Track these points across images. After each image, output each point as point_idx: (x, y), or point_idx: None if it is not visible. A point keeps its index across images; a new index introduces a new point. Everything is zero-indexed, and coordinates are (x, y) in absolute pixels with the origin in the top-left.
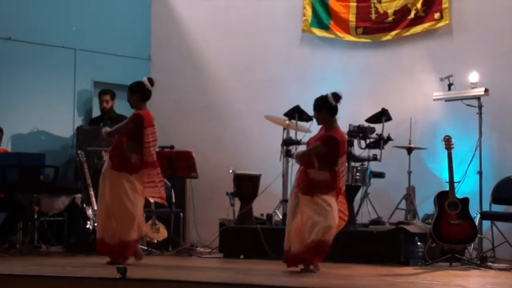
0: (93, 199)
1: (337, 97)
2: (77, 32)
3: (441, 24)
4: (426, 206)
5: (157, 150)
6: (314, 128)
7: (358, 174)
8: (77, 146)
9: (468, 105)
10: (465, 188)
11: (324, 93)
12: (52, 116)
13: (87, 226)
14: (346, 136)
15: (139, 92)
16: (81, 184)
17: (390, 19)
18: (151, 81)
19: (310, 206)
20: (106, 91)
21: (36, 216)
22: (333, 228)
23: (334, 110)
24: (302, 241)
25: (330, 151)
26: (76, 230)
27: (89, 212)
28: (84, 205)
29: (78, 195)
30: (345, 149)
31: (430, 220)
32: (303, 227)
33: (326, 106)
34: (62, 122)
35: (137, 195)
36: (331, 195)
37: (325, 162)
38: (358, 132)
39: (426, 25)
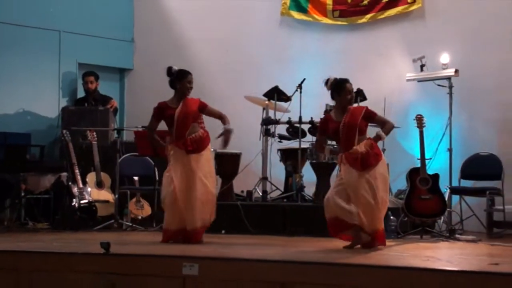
0: (78, 177)
1: (334, 83)
2: (62, 14)
3: (414, 7)
4: (399, 182)
5: (140, 130)
6: (292, 108)
7: None
8: (62, 126)
9: (439, 85)
10: (436, 164)
11: (302, 74)
12: (37, 97)
13: (73, 204)
14: None
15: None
16: (67, 162)
17: (365, 2)
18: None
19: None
20: (89, 72)
21: (23, 194)
22: None
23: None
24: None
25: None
26: (62, 207)
27: (75, 190)
28: (70, 183)
29: (64, 174)
30: None
31: (402, 196)
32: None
33: (336, 87)
34: (47, 103)
35: None
36: (381, 163)
37: (363, 130)
38: None
39: (399, 8)
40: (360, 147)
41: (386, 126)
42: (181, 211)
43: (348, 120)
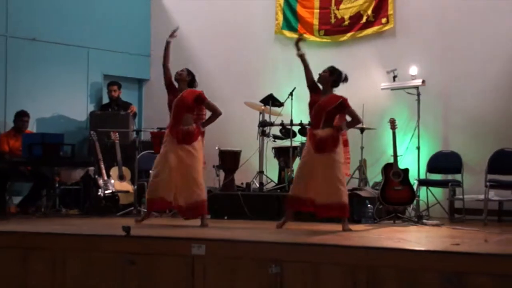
0: (103, 171)
1: (346, 78)
2: (89, 34)
3: (387, 27)
4: (375, 175)
5: (155, 130)
6: (284, 112)
7: None
8: (90, 128)
9: (409, 93)
10: (406, 160)
11: (292, 83)
12: (69, 103)
13: (99, 193)
14: None
15: (191, 76)
16: (94, 158)
17: (346, 23)
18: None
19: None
20: (113, 82)
21: (57, 185)
22: None
23: (337, 83)
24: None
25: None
26: (90, 196)
27: (100, 182)
28: (96, 176)
29: (91, 168)
30: None
31: (378, 187)
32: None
33: (337, 76)
34: (77, 108)
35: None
36: (337, 151)
37: (331, 120)
38: None
39: (375, 28)
40: (322, 132)
41: (352, 120)
42: (171, 185)
43: (322, 103)
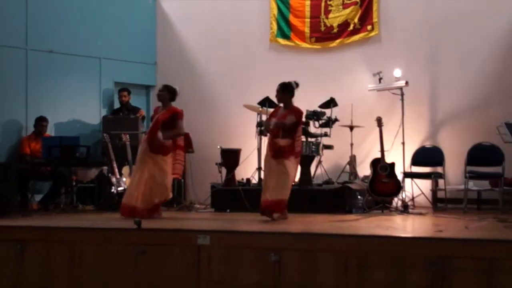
0: (116, 170)
1: (297, 84)
2: (101, 45)
3: (372, 34)
4: (364, 169)
5: None
6: None
7: (313, 146)
8: (103, 131)
9: (393, 93)
10: (392, 155)
11: None
12: (84, 108)
13: (112, 190)
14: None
15: (171, 93)
16: (107, 159)
17: (335, 30)
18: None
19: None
20: (123, 89)
21: (74, 183)
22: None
23: (292, 94)
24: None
25: (298, 122)
26: (104, 193)
27: (113, 179)
28: (109, 175)
29: (105, 167)
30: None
31: (367, 180)
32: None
33: (288, 90)
34: (91, 113)
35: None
36: (291, 159)
37: (289, 131)
38: (313, 115)
39: (361, 35)
40: (282, 142)
41: (297, 133)
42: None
43: (279, 118)
